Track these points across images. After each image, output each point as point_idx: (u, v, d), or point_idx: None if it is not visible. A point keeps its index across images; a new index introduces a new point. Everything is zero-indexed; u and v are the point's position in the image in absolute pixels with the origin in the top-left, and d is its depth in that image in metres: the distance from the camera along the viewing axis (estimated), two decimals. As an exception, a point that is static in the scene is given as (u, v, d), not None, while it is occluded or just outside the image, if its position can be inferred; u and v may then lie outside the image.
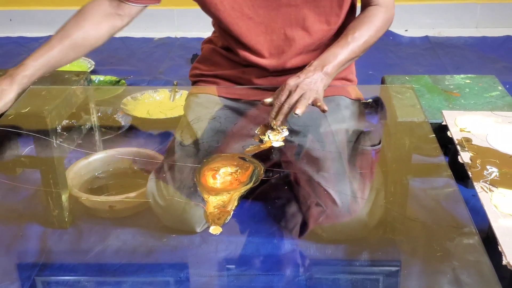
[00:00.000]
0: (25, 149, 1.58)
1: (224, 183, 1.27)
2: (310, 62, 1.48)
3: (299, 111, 1.37)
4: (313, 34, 1.56)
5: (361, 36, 1.51)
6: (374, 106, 1.66)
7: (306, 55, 1.58)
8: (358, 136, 1.52)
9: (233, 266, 1.31)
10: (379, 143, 1.51)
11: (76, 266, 1.29)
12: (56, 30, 1.57)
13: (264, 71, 1.60)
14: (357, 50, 1.51)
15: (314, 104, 1.41)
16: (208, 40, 1.71)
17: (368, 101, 1.66)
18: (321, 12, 1.54)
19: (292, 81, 1.43)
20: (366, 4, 1.58)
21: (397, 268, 1.23)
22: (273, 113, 1.41)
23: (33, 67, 1.53)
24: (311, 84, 1.42)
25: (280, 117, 1.40)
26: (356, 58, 1.56)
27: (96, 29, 1.58)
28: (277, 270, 1.30)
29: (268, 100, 1.44)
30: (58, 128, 1.62)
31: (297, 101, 1.40)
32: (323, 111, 1.40)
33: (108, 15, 1.58)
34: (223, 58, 1.65)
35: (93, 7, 1.58)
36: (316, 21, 1.55)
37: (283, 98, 1.42)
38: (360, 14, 1.58)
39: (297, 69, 1.54)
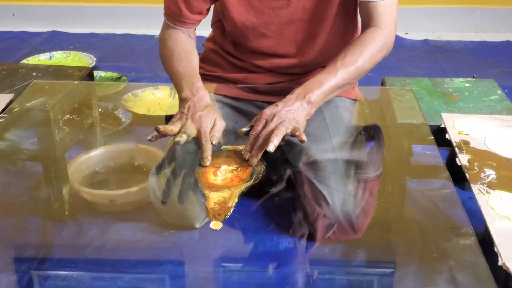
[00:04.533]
0: (27, 142, 1.59)
1: (225, 180, 1.29)
2: (293, 90, 1.41)
3: (271, 146, 1.27)
4: (323, 47, 1.55)
5: (352, 62, 1.41)
6: (373, 134, 1.60)
7: (315, 66, 1.58)
8: (356, 138, 1.52)
9: (231, 262, 1.33)
10: (379, 170, 1.46)
11: (76, 260, 1.31)
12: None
13: (268, 77, 1.61)
14: (347, 77, 1.41)
15: (293, 133, 1.33)
16: (212, 38, 1.72)
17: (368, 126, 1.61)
18: (332, 26, 1.53)
19: (268, 110, 1.35)
20: (365, 25, 1.50)
21: (393, 268, 1.24)
22: (248, 146, 1.33)
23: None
24: (289, 113, 1.34)
25: (255, 152, 1.31)
26: (349, 86, 1.47)
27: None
28: (275, 267, 1.31)
29: (244, 129, 1.37)
30: (60, 123, 1.63)
31: (273, 131, 1.31)
32: (301, 141, 1.30)
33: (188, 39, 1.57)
34: (226, 61, 1.65)
35: (177, 38, 1.55)
36: (327, 35, 1.54)
37: (259, 128, 1.33)
38: (357, 37, 1.50)
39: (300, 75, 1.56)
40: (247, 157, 1.32)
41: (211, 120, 1.34)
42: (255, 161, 1.31)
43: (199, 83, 1.43)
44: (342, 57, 1.42)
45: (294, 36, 1.53)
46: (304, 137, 1.30)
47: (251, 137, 1.33)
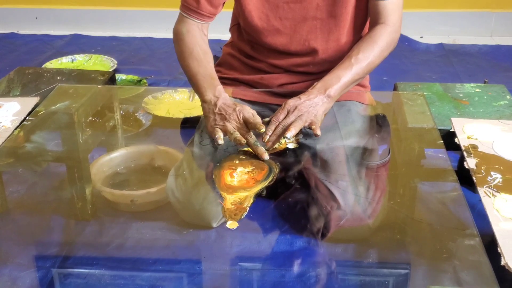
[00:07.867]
0: (51, 144, 1.63)
1: (241, 181, 1.33)
2: (313, 84, 1.51)
3: (289, 134, 1.40)
4: (337, 46, 1.60)
5: (365, 58, 1.52)
6: (379, 122, 1.67)
7: (329, 64, 1.61)
8: (367, 142, 1.56)
9: (246, 261, 1.36)
10: (387, 156, 1.53)
11: (97, 257, 1.35)
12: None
13: (283, 77, 1.66)
14: (361, 72, 1.52)
15: (309, 127, 1.43)
16: (230, 43, 1.77)
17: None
18: (346, 26, 1.58)
19: (292, 101, 1.46)
20: (373, 22, 1.58)
21: (401, 267, 1.28)
22: (269, 131, 1.43)
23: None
24: (311, 107, 1.45)
25: (272, 138, 1.42)
26: (360, 80, 1.57)
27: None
28: (289, 266, 1.35)
29: (267, 119, 1.47)
30: (83, 125, 1.68)
31: (292, 123, 1.42)
32: (316, 135, 1.42)
33: (203, 37, 1.64)
34: (243, 64, 1.71)
35: (194, 35, 1.62)
36: (341, 34, 1.59)
37: (281, 117, 1.44)
38: (366, 33, 1.59)
39: (314, 75, 1.60)
40: (265, 140, 1.41)
41: (249, 110, 1.46)
42: (271, 145, 1.42)
43: (219, 86, 1.52)
44: (355, 53, 1.52)
45: (307, 34, 1.59)
46: (318, 132, 1.41)
47: (272, 122, 1.44)
